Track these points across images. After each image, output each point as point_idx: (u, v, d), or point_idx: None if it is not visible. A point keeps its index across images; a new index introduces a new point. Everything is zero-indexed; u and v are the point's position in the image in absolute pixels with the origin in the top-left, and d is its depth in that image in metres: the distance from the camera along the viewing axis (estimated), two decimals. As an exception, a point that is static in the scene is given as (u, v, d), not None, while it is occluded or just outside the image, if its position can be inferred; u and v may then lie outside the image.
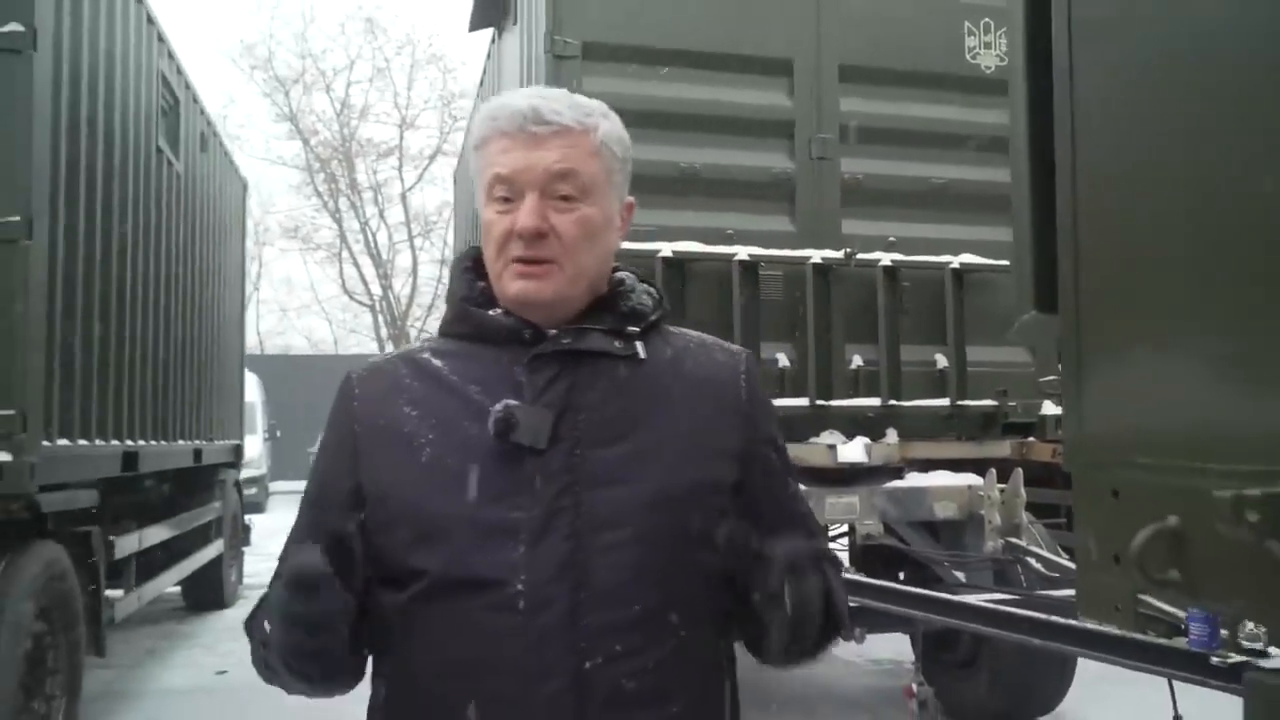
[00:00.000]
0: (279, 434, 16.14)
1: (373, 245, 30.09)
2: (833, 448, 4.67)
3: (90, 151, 4.86)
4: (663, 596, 1.22)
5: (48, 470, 4.15)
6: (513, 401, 1.23)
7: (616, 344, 1.28)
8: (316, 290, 31.31)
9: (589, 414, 1.25)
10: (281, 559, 1.26)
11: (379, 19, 36.27)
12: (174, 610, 8.37)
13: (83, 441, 4.75)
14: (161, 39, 6.32)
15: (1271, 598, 1.13)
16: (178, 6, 5.70)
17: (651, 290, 1.36)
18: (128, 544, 5.54)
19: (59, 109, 4.38)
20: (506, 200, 1.25)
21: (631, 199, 1.36)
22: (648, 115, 4.61)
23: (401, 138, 30.71)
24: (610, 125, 1.31)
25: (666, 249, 4.61)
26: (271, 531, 11.15)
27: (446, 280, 1.53)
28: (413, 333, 30.11)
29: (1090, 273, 1.52)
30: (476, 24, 6.77)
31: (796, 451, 4.69)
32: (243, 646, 1.31)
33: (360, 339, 31.60)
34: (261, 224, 28.38)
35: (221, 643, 7.34)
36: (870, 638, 4.75)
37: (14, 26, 3.95)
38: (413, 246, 30.37)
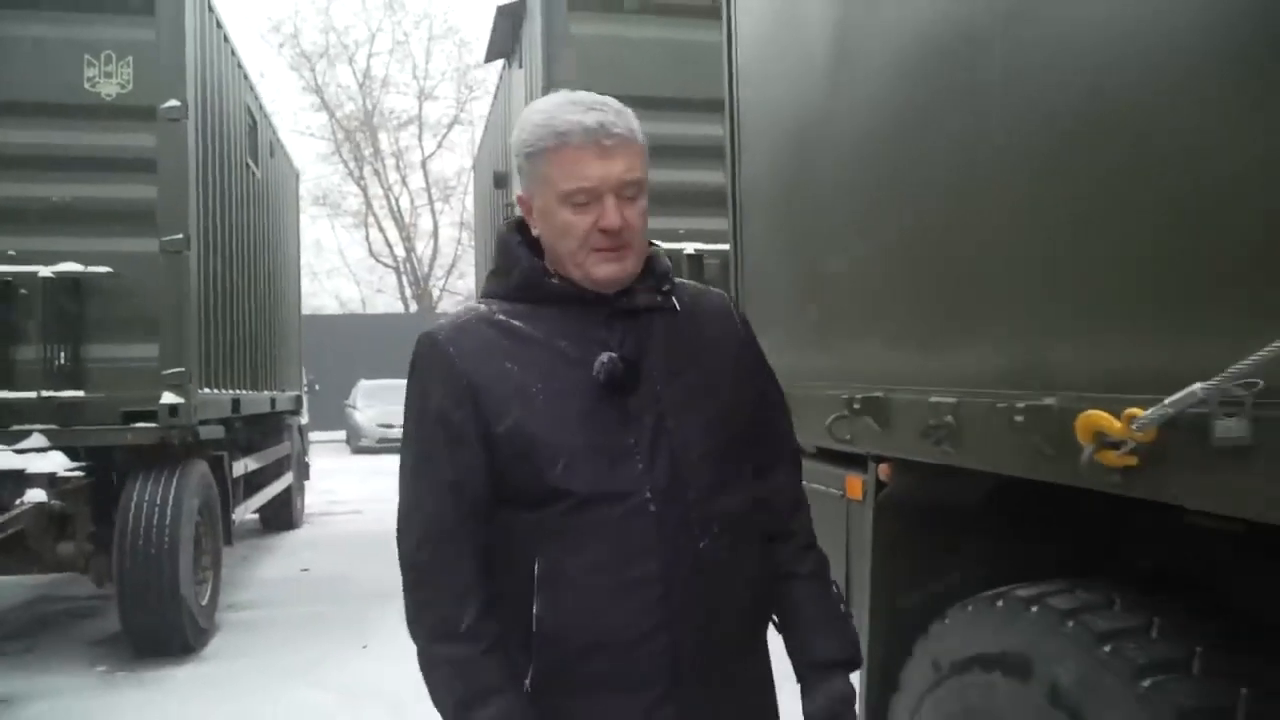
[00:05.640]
0: (318, 387, 17.62)
1: (396, 210, 31.66)
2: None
3: (213, 178, 6.60)
4: (736, 492, 1.57)
5: (201, 410, 5.97)
6: (612, 354, 1.48)
7: (659, 299, 1.56)
8: (344, 254, 32.95)
9: (656, 356, 1.53)
10: (419, 537, 1.51)
11: (398, -7, 37.26)
12: (253, 530, 10.19)
13: (215, 390, 6.56)
14: (246, 77, 8.01)
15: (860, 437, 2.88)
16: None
17: (664, 254, 1.64)
18: (239, 467, 7.41)
19: (198, 153, 6.11)
20: (584, 203, 1.47)
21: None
22: (620, 146, 6.35)
23: (420, 108, 32.14)
24: (640, 128, 1.52)
25: (634, 246, 6.29)
26: (316, 473, 13.02)
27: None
28: (435, 291, 31.72)
29: (746, 287, 3.27)
30: (491, 56, 8.34)
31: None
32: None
33: (386, 298, 33.24)
34: (292, 192, 29.86)
35: (297, 552, 9.20)
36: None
37: (174, 102, 5.68)
38: (433, 210, 32.01)
